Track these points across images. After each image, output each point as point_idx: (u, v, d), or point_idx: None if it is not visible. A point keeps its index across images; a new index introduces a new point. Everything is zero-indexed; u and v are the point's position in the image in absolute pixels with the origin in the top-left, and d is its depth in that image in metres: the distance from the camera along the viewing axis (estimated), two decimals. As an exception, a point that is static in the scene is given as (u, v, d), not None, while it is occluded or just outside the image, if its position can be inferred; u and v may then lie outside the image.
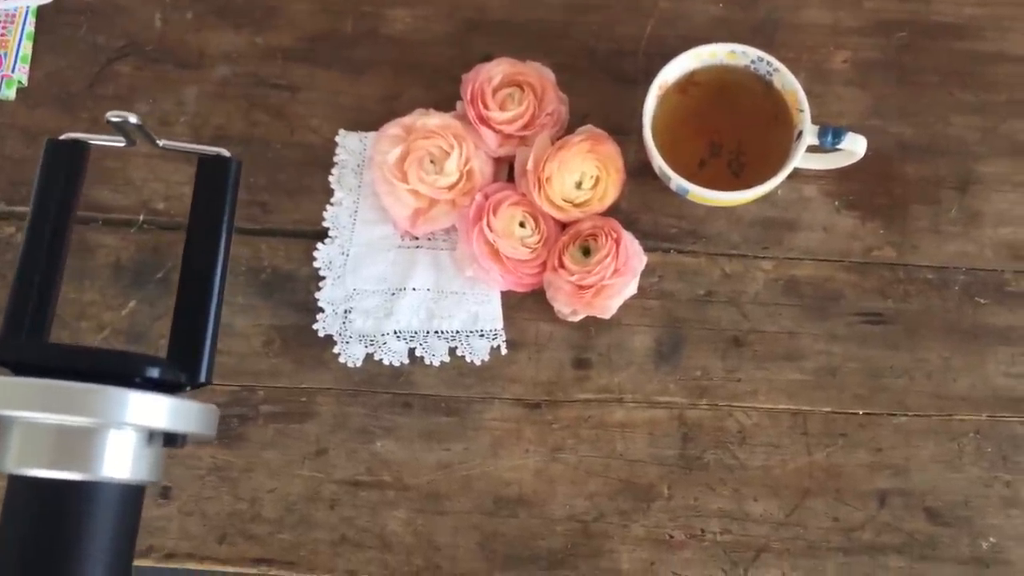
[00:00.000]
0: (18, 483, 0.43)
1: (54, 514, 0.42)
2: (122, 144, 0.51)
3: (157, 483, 0.46)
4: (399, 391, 0.70)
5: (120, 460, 0.43)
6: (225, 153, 0.51)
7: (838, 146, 0.67)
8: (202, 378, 0.48)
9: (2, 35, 0.77)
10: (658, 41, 0.76)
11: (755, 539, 0.67)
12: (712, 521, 0.68)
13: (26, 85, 0.77)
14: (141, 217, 0.74)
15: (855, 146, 0.67)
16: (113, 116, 0.48)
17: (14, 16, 0.77)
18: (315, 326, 0.71)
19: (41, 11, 0.78)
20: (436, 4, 0.78)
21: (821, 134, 0.66)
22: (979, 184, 0.73)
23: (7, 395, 0.43)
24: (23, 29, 0.77)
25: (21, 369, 0.44)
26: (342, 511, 0.68)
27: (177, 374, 0.46)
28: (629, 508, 0.68)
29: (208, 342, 0.48)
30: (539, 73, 0.72)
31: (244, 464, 0.69)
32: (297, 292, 0.72)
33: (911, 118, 0.74)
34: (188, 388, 0.48)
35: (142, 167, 0.75)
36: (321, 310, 0.71)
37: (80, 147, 0.51)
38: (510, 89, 0.72)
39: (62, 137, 0.51)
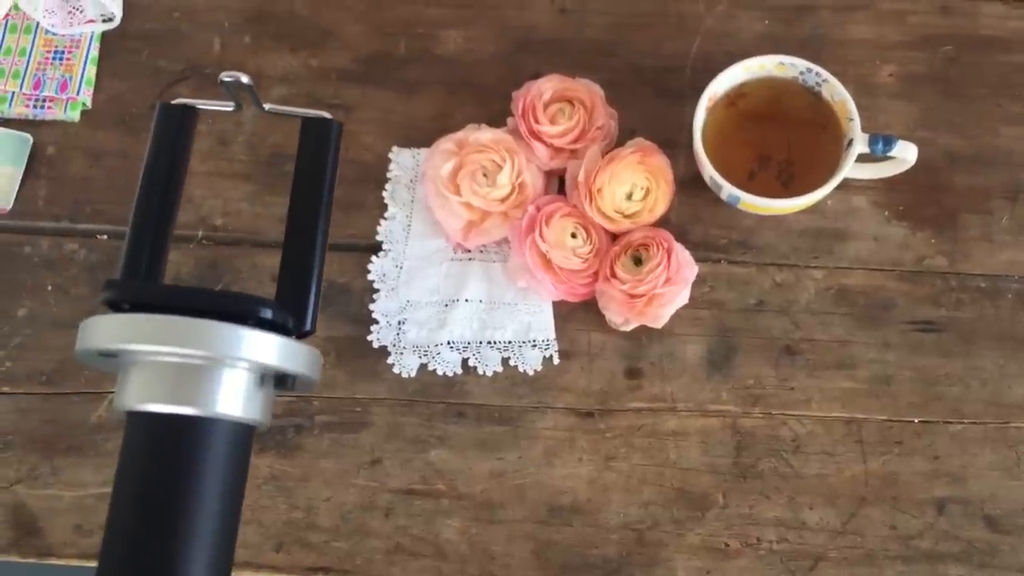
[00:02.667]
0: (137, 419, 0.45)
1: (171, 449, 0.43)
2: (230, 109, 0.53)
3: (266, 425, 0.47)
4: (453, 401, 0.71)
5: (233, 398, 0.44)
6: (327, 115, 0.53)
7: (889, 154, 0.67)
8: (307, 326, 0.49)
9: (68, 59, 0.80)
10: (704, 57, 0.77)
11: (812, 548, 0.67)
12: (768, 530, 0.67)
13: (90, 107, 0.79)
14: (200, 233, 0.76)
15: (906, 153, 0.67)
16: (226, 76, 0.50)
17: (79, 41, 0.80)
18: (369, 337, 0.72)
19: (105, 36, 0.81)
20: (487, 25, 0.80)
21: (872, 142, 0.67)
22: (1030, 193, 0.73)
23: (129, 330, 0.44)
24: (87, 54, 0.80)
25: (140, 310, 0.45)
26: (397, 520, 0.69)
27: (286, 318, 0.47)
28: (684, 517, 0.68)
29: (313, 291, 0.50)
30: (588, 88, 0.74)
31: (300, 473, 0.70)
32: (352, 304, 0.73)
33: (959, 129, 0.75)
34: (294, 336, 0.49)
35: (202, 184, 0.77)
36: (375, 322, 0.72)
37: (189, 111, 0.53)
38: (560, 104, 0.73)
39: (173, 102, 0.53)
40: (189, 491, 0.43)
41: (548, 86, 0.73)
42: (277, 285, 0.50)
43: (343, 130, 0.54)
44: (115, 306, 0.46)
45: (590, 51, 0.78)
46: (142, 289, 0.48)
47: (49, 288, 0.75)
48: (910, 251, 0.72)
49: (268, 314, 0.46)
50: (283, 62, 0.80)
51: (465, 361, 0.71)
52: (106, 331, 0.45)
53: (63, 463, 0.71)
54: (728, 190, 0.67)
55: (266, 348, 0.45)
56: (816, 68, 0.69)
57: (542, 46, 0.79)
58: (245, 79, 0.50)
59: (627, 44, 0.78)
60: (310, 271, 0.50)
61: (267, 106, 0.53)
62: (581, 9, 0.80)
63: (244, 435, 0.46)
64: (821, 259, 0.73)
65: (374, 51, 0.80)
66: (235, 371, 0.45)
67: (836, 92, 0.69)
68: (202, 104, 0.53)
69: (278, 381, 0.48)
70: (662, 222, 0.72)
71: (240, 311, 0.45)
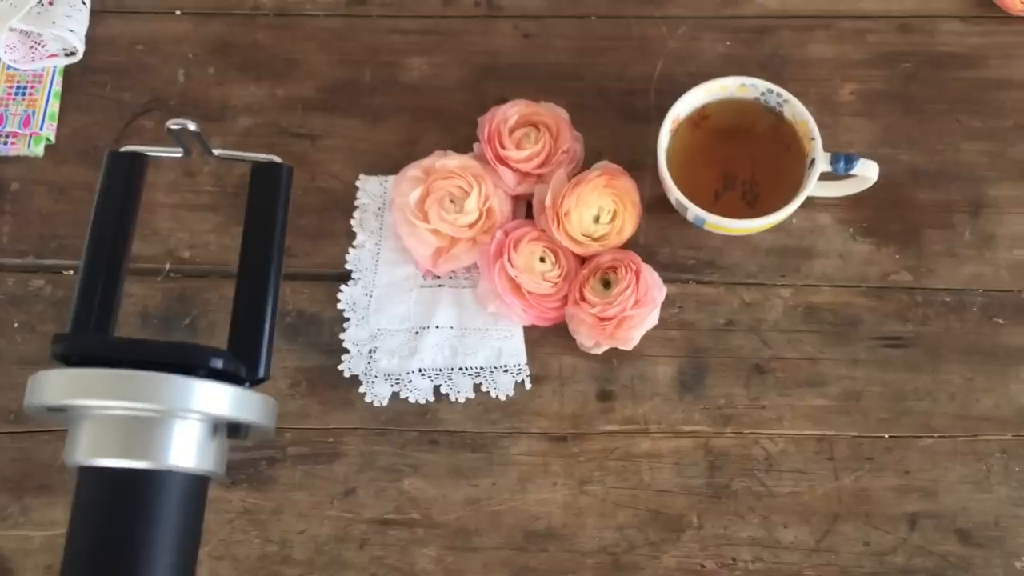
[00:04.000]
0: (88, 474, 0.44)
1: (123, 503, 0.43)
2: (179, 155, 0.53)
3: (221, 476, 0.46)
4: (425, 428, 0.71)
5: (186, 450, 0.44)
6: (277, 159, 0.53)
7: (851, 172, 0.68)
8: (260, 373, 0.49)
9: (31, 94, 0.79)
10: (668, 79, 0.78)
11: (788, 566, 0.67)
12: (743, 550, 0.67)
13: (54, 142, 0.79)
14: (167, 266, 0.75)
15: (868, 171, 0.68)
16: (173, 124, 0.50)
17: (41, 76, 0.80)
18: (340, 367, 0.72)
19: (67, 71, 0.81)
20: (451, 51, 0.80)
21: (834, 161, 0.68)
22: (991, 207, 0.74)
23: (77, 385, 0.44)
24: (50, 88, 0.80)
25: (88, 364, 0.45)
26: (372, 551, 0.68)
27: (239, 366, 0.47)
28: (659, 539, 0.68)
29: (266, 337, 0.49)
30: (553, 113, 0.74)
31: (273, 506, 0.70)
32: (322, 334, 0.73)
33: (920, 145, 0.76)
34: (247, 385, 0.48)
35: (168, 217, 0.77)
36: (346, 351, 0.72)
37: (138, 159, 0.52)
38: (526, 129, 0.73)
39: (121, 149, 0.52)
40: (143, 545, 0.42)
41: (513, 111, 0.73)
42: (229, 332, 0.49)
43: (296, 171, 0.54)
44: (64, 359, 0.46)
45: (554, 75, 0.79)
46: (90, 342, 0.47)
47: (15, 325, 0.74)
48: (876, 267, 0.73)
49: (219, 364, 0.45)
50: (248, 92, 0.80)
51: (437, 388, 0.71)
52: (53, 386, 0.45)
53: (33, 503, 0.70)
54: (694, 211, 0.68)
55: (217, 399, 0.45)
56: (777, 89, 0.70)
57: (507, 71, 0.79)
58: (192, 126, 0.50)
59: (591, 68, 0.79)
60: (262, 317, 0.50)
61: (216, 151, 0.53)
62: (544, 34, 0.80)
63: (198, 486, 0.46)
64: (788, 277, 0.73)
65: (339, 79, 0.80)
66: (187, 423, 0.44)
67: (797, 112, 0.70)
68: (152, 151, 0.53)
69: (232, 429, 0.47)
70: (630, 244, 0.72)
71: (190, 362, 0.45)
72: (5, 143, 0.78)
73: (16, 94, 0.79)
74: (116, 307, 0.50)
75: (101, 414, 0.44)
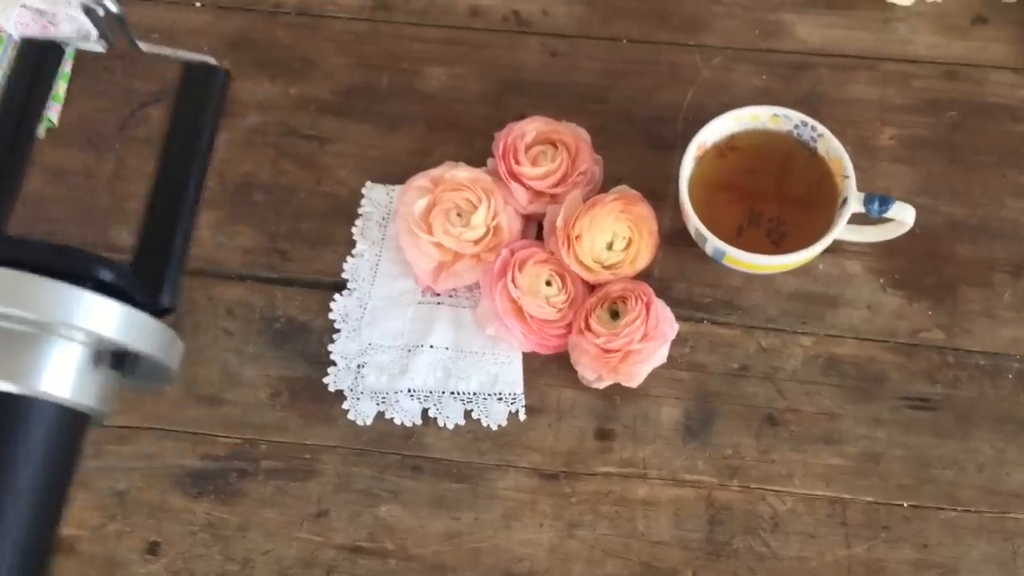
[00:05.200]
0: None
1: None
2: (101, 49, 0.47)
3: (102, 416, 0.39)
4: (409, 453, 0.66)
5: (61, 376, 0.37)
6: (212, 60, 0.47)
7: (885, 215, 0.63)
8: (165, 301, 0.42)
9: (38, 74, 0.77)
10: (698, 108, 0.74)
11: (787, 637, 0.61)
12: (740, 614, 0.62)
13: (56, 125, 0.76)
14: (157, 260, 0.72)
15: (904, 215, 0.64)
16: (89, 2, 0.44)
17: (52, 57, 0.77)
18: (326, 380, 0.68)
19: (80, 53, 0.78)
20: (474, 63, 0.77)
21: (867, 201, 0.63)
22: (1035, 269, 0.69)
23: None
24: (63, 70, 0.77)
25: None
26: (339, 579, 0.64)
27: (135, 285, 0.40)
28: (649, 594, 0.62)
29: (176, 258, 0.43)
30: (574, 132, 0.70)
31: (240, 522, 0.65)
32: (310, 344, 0.69)
33: (962, 198, 0.71)
34: (147, 312, 0.41)
35: (164, 210, 0.73)
36: (333, 363, 0.68)
37: (54, 49, 0.46)
38: (543, 146, 0.69)
39: (37, 38, 0.47)
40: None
41: (532, 127, 0.70)
42: (134, 252, 0.43)
43: (229, 82, 0.48)
44: None
45: (579, 96, 0.75)
46: None
47: None
48: (906, 322, 0.68)
49: (109, 276, 0.38)
50: (261, 89, 0.77)
51: (425, 411, 0.67)
52: None
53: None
54: (713, 243, 0.63)
55: (103, 316, 0.37)
56: (812, 122, 0.66)
57: (530, 88, 0.76)
58: (113, 7, 0.44)
59: (618, 91, 0.75)
60: (172, 235, 0.43)
61: (143, 46, 0.48)
62: (573, 53, 0.77)
63: (73, 423, 0.39)
64: (810, 325, 0.68)
65: (355, 83, 0.77)
66: (65, 345, 0.37)
67: (832, 148, 0.65)
68: (68, 41, 0.47)
69: (116, 359, 0.40)
70: (643, 275, 0.68)
71: (73, 269, 0.37)
72: (6, 121, 0.75)
73: (24, 73, 0.77)
74: (13, 201, 0.43)
75: None
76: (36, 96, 0.45)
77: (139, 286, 0.40)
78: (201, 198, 0.44)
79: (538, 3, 0.78)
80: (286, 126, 0.76)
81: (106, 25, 0.45)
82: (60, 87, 0.77)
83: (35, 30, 0.77)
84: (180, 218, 0.43)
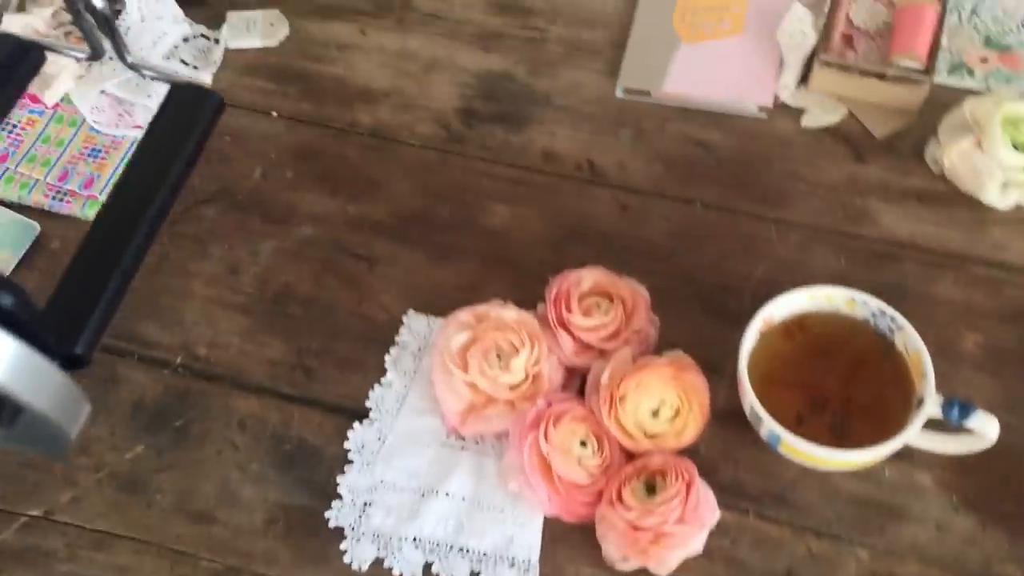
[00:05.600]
0: None
1: None
2: (83, 56, 0.43)
3: None
4: (402, 610, 0.59)
5: None
6: (205, 82, 0.43)
7: (965, 424, 0.57)
8: (79, 348, 0.35)
9: (102, 158, 0.76)
10: (769, 284, 0.69)
11: None
12: None
13: (110, 210, 0.75)
14: (179, 359, 0.68)
15: (985, 428, 0.57)
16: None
17: (120, 144, 0.77)
18: (327, 514, 0.62)
19: (148, 145, 0.78)
20: (539, 206, 0.74)
21: (946, 406, 0.57)
22: None
23: None
24: (124, 157, 0.76)
25: None
26: None
27: (42, 320, 0.33)
28: None
29: (105, 305, 0.36)
30: (632, 289, 0.66)
31: (204, 658, 0.58)
32: (318, 472, 0.64)
33: (1051, 420, 0.64)
34: (54, 359, 0.34)
35: (197, 310, 0.70)
36: (339, 497, 0.62)
37: (35, 51, 0.42)
38: (598, 298, 0.65)
39: (24, 37, 0.44)
40: None
41: (589, 276, 0.66)
42: (57, 285, 0.36)
43: (221, 110, 0.43)
44: None
45: (644, 253, 0.71)
46: None
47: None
48: (978, 550, 0.60)
49: (5, 300, 0.32)
50: (320, 203, 0.75)
51: (429, 566, 0.60)
52: None
53: (-55, 583, 0.61)
54: (769, 426, 0.57)
55: None
56: (891, 312, 0.61)
57: (593, 238, 0.72)
58: (99, 3, 0.39)
59: (685, 254, 0.71)
60: (107, 274, 0.36)
61: (129, 58, 0.43)
62: (643, 210, 0.73)
63: None
64: (870, 537, 0.61)
65: (416, 210, 0.74)
66: None
67: (911, 342, 0.60)
68: (54, 46, 0.43)
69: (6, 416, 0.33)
70: (688, 451, 0.62)
71: None
72: (61, 199, 0.74)
73: (89, 155, 0.76)
74: None
75: None
76: (9, 95, 0.41)
77: (49, 323, 0.34)
78: (157, 237, 0.39)
79: (615, 155, 0.76)
80: (338, 243, 0.73)
81: (95, 30, 0.42)
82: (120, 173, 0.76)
83: (110, 117, 0.77)
84: (122, 255, 0.37)
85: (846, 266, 0.71)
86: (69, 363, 0.34)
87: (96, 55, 0.44)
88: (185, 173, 0.39)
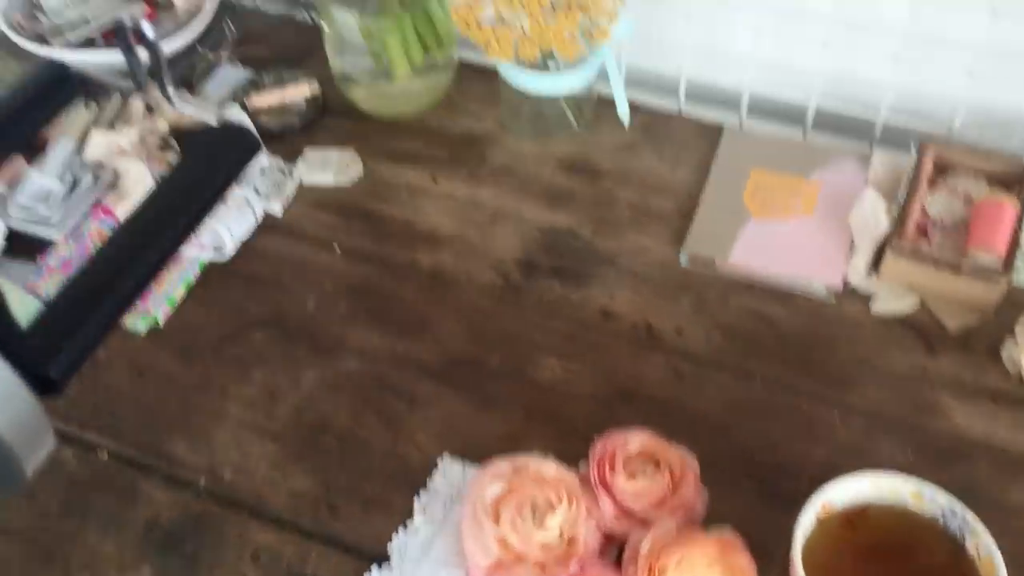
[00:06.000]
0: None
1: None
2: (123, 87, 0.42)
3: None
4: None
5: None
6: (250, 127, 0.40)
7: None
8: (52, 372, 0.33)
9: (163, 274, 0.76)
10: (828, 468, 0.64)
11: None
12: None
13: (160, 327, 0.74)
14: (202, 480, 0.66)
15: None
16: (125, 19, 0.39)
17: (182, 261, 0.77)
18: (330, 665, 0.57)
19: (210, 266, 0.78)
20: (592, 363, 0.71)
21: (1022, 620, 0.51)
22: None
23: None
24: (184, 275, 0.77)
25: None
26: None
27: (20, 339, 0.31)
28: None
29: (88, 331, 0.33)
30: (682, 457, 0.62)
31: None
32: (326, 618, 0.59)
33: None
34: (23, 378, 0.32)
35: (229, 431, 0.68)
36: (344, 648, 0.58)
37: (72, 78, 0.41)
38: (645, 463, 0.62)
39: (63, 62, 0.42)
40: None
41: (637, 439, 0.62)
42: (47, 304, 0.35)
43: (256, 153, 0.41)
44: None
45: (696, 423, 0.68)
46: None
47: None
48: None
49: None
50: (368, 338, 0.73)
51: None
52: None
53: None
54: (822, 621, 0.52)
55: None
56: (964, 511, 0.56)
57: (645, 402, 0.69)
58: (149, 32, 0.38)
59: (740, 428, 0.68)
60: (99, 298, 0.35)
61: (175, 100, 0.41)
62: (699, 378, 0.70)
63: None
64: None
65: (465, 355, 0.72)
66: None
67: (984, 546, 0.54)
68: (93, 75, 0.42)
69: None
70: (730, 641, 0.56)
71: None
72: (114, 309, 0.74)
73: (149, 269, 0.76)
74: None
75: None
76: (39, 117, 0.40)
77: (27, 343, 0.32)
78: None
79: (673, 321, 0.74)
80: (381, 379, 0.71)
81: (140, 66, 0.41)
82: (178, 291, 0.76)
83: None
84: (118, 281, 0.35)
85: (914, 459, 0.66)
86: (42, 387, 0.32)
87: (139, 87, 0.44)
88: (201, 214, 0.38)
